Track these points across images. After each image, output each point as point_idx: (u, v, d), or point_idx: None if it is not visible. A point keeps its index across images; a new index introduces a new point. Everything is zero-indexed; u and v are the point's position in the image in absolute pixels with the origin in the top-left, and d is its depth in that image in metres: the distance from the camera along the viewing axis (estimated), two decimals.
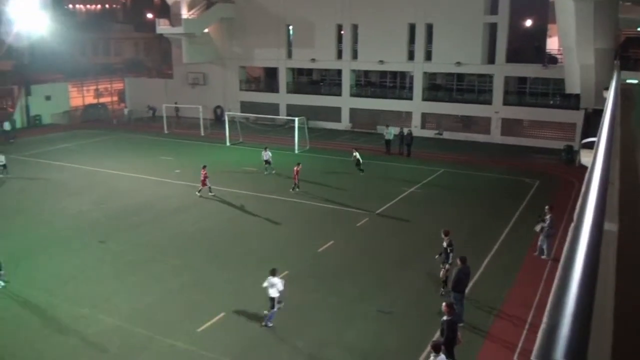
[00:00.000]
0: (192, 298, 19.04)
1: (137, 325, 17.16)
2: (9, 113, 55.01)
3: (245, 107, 56.50)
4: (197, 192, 30.59)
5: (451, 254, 18.55)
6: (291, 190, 30.94)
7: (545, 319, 2.21)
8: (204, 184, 30.41)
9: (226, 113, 48.85)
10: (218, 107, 57.88)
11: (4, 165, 35.56)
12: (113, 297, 19.18)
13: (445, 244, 18.88)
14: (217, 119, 56.25)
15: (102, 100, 67.17)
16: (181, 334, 16.64)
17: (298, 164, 31.32)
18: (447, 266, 18.66)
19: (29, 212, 28.55)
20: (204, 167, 30.51)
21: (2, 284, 19.59)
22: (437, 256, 19.45)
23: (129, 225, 26.48)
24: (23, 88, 55.30)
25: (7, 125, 48.50)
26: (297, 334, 16.67)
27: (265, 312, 17.05)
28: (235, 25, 56.87)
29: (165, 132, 51.12)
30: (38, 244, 23.98)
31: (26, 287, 19.89)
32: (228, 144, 45.34)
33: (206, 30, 56.98)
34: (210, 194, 30.45)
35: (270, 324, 16.88)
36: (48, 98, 57.69)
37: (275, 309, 16.81)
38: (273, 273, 16.86)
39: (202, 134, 49.76)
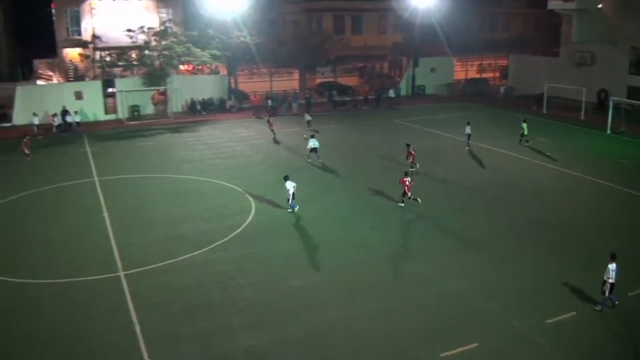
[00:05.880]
0: (545, 286, 18.33)
1: (486, 300, 17.41)
2: (396, 82, 60.60)
3: (634, 92, 50.94)
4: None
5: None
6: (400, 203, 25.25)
7: None
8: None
9: (611, 98, 44.82)
10: (602, 90, 53.39)
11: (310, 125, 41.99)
12: (458, 265, 19.84)
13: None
14: (600, 103, 52.12)
15: (484, 75, 68.65)
16: (529, 320, 16.24)
17: (406, 179, 25.19)
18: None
19: (398, 172, 30.87)
20: (408, 144, 31.05)
21: (292, 210, 24.67)
22: None
23: (486, 200, 26.96)
24: (411, 59, 60.08)
25: (392, 93, 54.41)
26: None
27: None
28: None
29: (544, 112, 49.79)
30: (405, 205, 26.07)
31: (382, 238, 22.02)
32: (609, 131, 41.80)
33: (600, 6, 52.88)
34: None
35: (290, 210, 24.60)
36: (433, 70, 62.03)
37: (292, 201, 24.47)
38: (286, 178, 24.46)
39: (582, 117, 46.91)
